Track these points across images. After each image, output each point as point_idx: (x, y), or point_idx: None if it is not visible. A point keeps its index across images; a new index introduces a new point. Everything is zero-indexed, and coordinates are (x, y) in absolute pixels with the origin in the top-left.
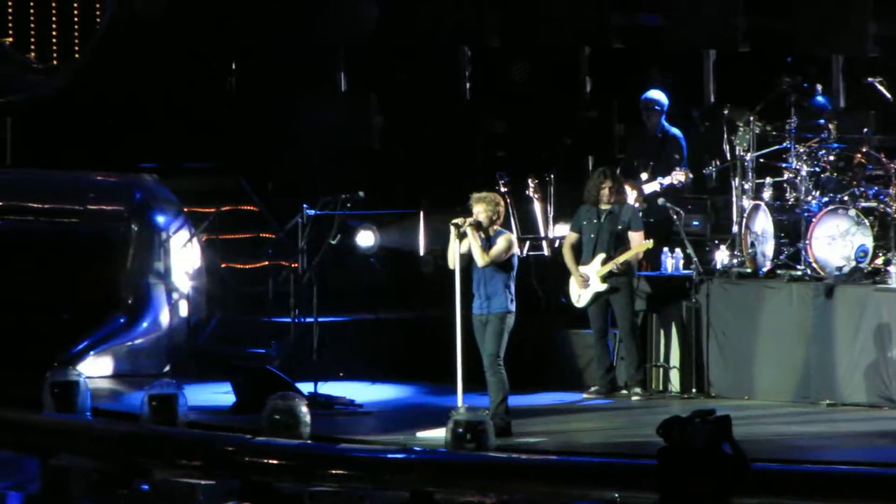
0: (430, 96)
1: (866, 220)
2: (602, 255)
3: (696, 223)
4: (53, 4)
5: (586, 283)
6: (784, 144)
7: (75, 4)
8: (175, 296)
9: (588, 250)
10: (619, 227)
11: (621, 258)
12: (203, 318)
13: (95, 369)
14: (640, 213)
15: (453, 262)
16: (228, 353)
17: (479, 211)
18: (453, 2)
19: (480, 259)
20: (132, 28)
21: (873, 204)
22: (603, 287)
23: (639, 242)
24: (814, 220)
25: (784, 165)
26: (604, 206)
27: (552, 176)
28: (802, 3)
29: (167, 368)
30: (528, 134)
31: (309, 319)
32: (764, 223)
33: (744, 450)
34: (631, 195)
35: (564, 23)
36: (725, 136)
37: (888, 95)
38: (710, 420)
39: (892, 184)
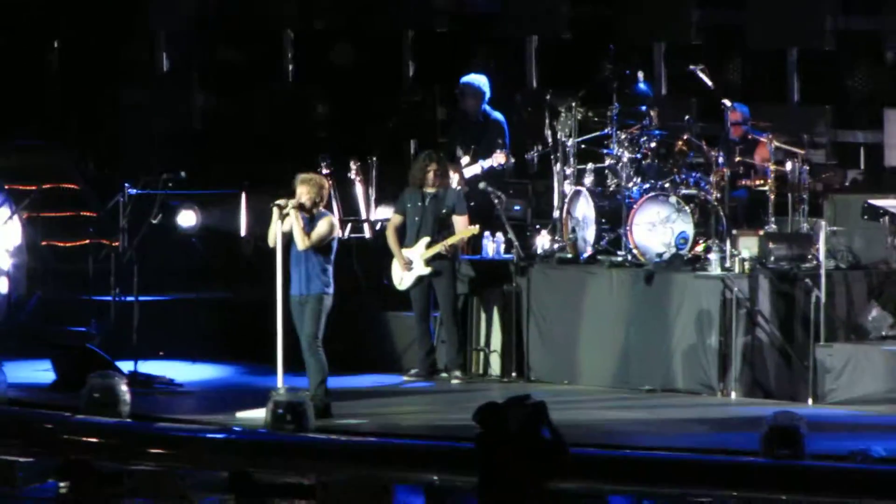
0: (254, 77)
1: (687, 207)
2: (426, 239)
3: (517, 208)
4: None
5: (409, 267)
6: (606, 131)
7: None
8: None
9: (412, 233)
10: (444, 211)
11: (448, 242)
12: (23, 296)
13: None
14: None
15: (274, 242)
16: (49, 331)
17: (303, 192)
18: None
19: (301, 242)
20: None
21: (694, 191)
22: (426, 270)
23: (464, 227)
24: (634, 206)
25: (606, 152)
26: (428, 190)
27: (374, 159)
28: None
29: None
30: (350, 116)
31: (129, 298)
32: (585, 209)
33: (562, 435)
34: (454, 178)
35: (389, 5)
36: (547, 121)
37: (709, 83)
38: (526, 405)
39: (712, 171)
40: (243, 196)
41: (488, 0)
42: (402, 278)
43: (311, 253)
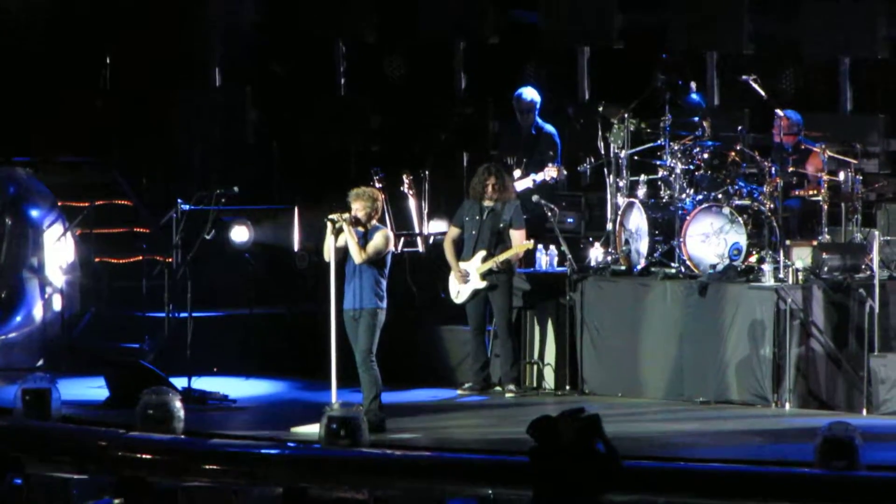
0: (306, 90)
1: (740, 218)
2: (483, 252)
3: (570, 220)
4: None
5: (466, 280)
6: (658, 142)
7: None
8: (49, 290)
9: (469, 246)
10: (501, 225)
11: (502, 257)
12: (77, 313)
13: None
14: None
15: (328, 256)
16: (102, 348)
17: (358, 207)
18: None
19: (357, 256)
20: (5, 23)
21: (747, 202)
22: (482, 284)
23: (520, 241)
24: (688, 217)
25: (658, 163)
26: (487, 203)
27: (427, 172)
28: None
29: (41, 363)
30: (402, 129)
31: (183, 314)
32: (638, 221)
33: (616, 448)
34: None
35: (440, 18)
36: (600, 133)
37: (762, 93)
38: (580, 418)
39: (765, 182)
40: (296, 210)
41: (539, 11)
42: (458, 291)
43: (365, 267)
